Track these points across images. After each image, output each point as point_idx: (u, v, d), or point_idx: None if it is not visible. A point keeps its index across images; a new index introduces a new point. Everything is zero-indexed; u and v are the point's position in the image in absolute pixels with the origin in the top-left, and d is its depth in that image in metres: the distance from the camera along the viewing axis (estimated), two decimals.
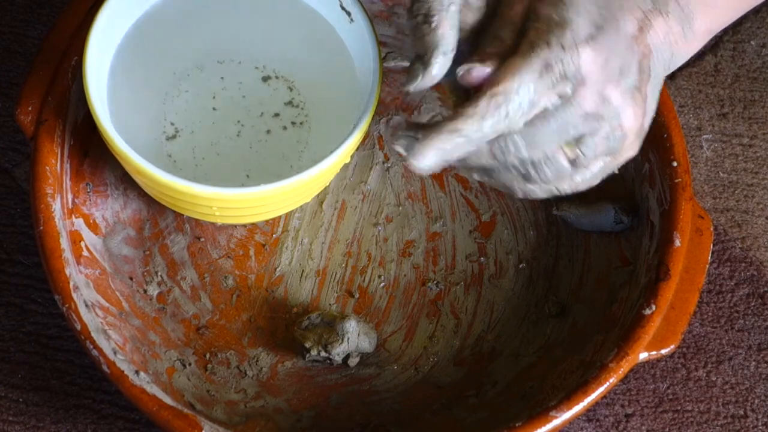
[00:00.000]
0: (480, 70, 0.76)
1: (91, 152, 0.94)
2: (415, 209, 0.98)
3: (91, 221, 0.93)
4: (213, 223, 0.96)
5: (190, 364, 0.92)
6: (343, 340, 0.91)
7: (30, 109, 0.91)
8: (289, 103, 0.95)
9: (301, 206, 0.97)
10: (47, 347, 0.94)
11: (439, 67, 0.77)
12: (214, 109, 0.95)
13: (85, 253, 0.91)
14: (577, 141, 0.77)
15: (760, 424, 0.94)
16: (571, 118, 0.75)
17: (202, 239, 0.96)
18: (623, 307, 0.90)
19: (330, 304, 0.95)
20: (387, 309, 0.95)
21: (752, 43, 1.06)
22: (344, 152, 0.88)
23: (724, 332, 0.96)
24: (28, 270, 0.96)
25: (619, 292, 0.92)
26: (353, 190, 0.99)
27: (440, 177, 0.99)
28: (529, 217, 0.98)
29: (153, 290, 0.94)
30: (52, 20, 1.02)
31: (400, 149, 0.76)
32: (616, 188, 0.96)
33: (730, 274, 0.98)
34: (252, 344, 0.94)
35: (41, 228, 0.88)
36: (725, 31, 1.06)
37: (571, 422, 0.87)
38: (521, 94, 0.74)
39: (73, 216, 0.92)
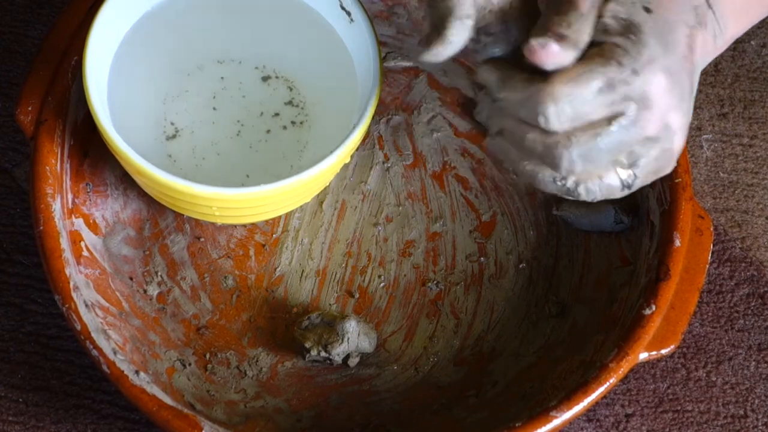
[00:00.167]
0: (554, 54, 0.73)
1: (91, 152, 0.94)
2: (415, 209, 0.98)
3: (91, 221, 0.93)
4: (213, 223, 0.96)
5: (190, 364, 0.92)
6: (343, 340, 0.91)
7: (30, 109, 0.91)
8: (289, 103, 0.95)
9: (301, 206, 0.97)
10: (47, 347, 0.94)
11: (456, 33, 0.75)
12: (214, 109, 0.95)
13: (85, 253, 0.91)
14: (630, 162, 0.76)
15: (760, 424, 0.94)
16: (630, 139, 0.74)
17: (202, 239, 0.96)
18: (623, 307, 0.90)
19: (330, 304, 0.95)
20: (387, 309, 0.95)
21: (752, 43, 1.06)
22: (344, 152, 0.88)
23: (724, 332, 0.96)
24: (28, 270, 0.96)
25: (619, 292, 0.92)
26: (353, 190, 0.99)
27: (440, 177, 0.99)
28: (529, 217, 0.98)
29: (153, 290, 0.94)
30: (52, 20, 1.02)
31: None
32: None
33: (730, 274, 0.98)
34: (252, 344, 0.94)
35: (41, 228, 0.88)
36: None
37: (571, 422, 0.87)
38: (575, 105, 0.73)
39: (73, 216, 0.92)
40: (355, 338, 0.91)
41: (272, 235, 0.97)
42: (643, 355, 0.87)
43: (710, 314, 0.97)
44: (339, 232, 0.97)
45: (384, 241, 0.97)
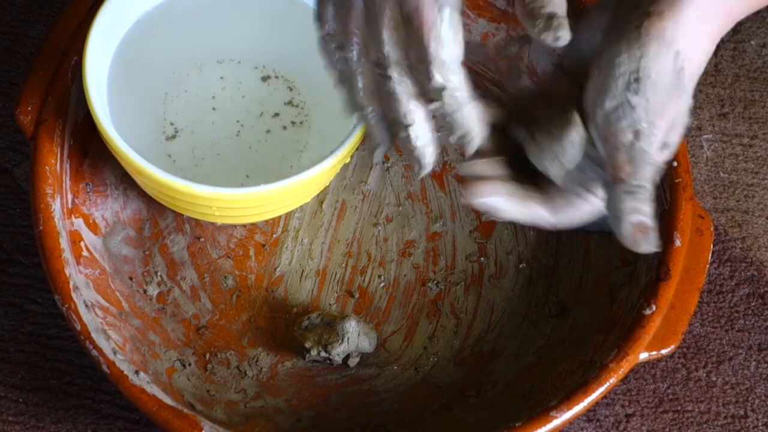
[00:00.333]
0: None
1: (91, 152, 0.94)
2: (415, 209, 0.98)
3: (91, 221, 0.93)
4: (213, 223, 0.96)
5: (190, 364, 0.92)
6: (343, 340, 0.91)
7: (30, 109, 0.91)
8: (289, 103, 0.95)
9: (301, 206, 0.97)
10: (47, 347, 0.94)
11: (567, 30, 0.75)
12: (213, 109, 0.95)
13: (84, 253, 0.91)
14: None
15: (760, 424, 0.94)
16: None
17: (202, 239, 0.96)
18: (623, 307, 0.90)
19: (330, 304, 0.95)
20: (387, 309, 0.95)
21: (752, 43, 1.06)
22: (344, 152, 0.88)
23: (724, 332, 0.96)
24: (28, 270, 0.96)
25: (619, 292, 0.92)
26: (353, 190, 0.99)
27: (440, 177, 0.99)
28: None
29: (153, 290, 0.94)
30: (52, 20, 1.02)
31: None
32: None
33: (731, 274, 0.98)
34: (252, 344, 0.94)
35: (41, 228, 0.88)
36: None
37: (571, 422, 0.87)
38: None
39: (72, 216, 0.92)
40: (355, 338, 0.91)
41: (272, 235, 0.97)
42: (644, 355, 0.87)
43: (710, 314, 0.97)
44: (339, 232, 0.97)
45: (384, 241, 0.97)
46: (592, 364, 0.87)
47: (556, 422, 0.85)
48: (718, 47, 1.05)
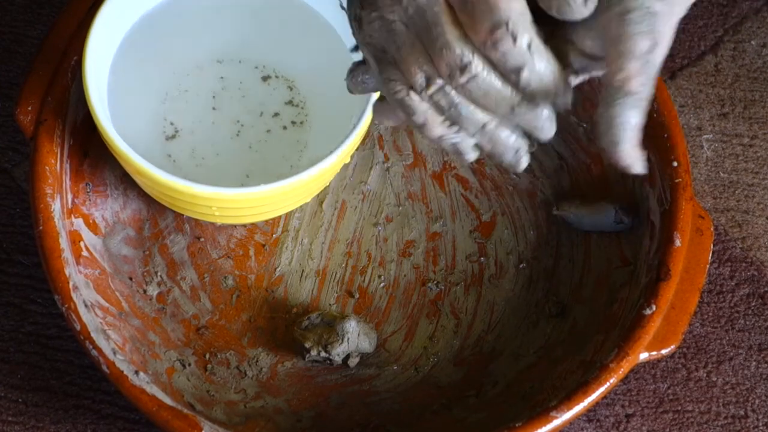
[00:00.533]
0: None
1: (91, 152, 0.94)
2: (415, 209, 0.98)
3: (91, 221, 0.93)
4: (213, 223, 0.96)
5: (189, 365, 0.92)
6: (343, 340, 0.91)
7: (30, 109, 0.91)
8: (289, 102, 0.95)
9: (301, 206, 0.97)
10: (47, 347, 0.94)
11: None
12: (213, 108, 0.95)
13: (84, 253, 0.91)
14: None
15: (760, 424, 0.94)
16: None
17: (202, 239, 0.96)
18: (623, 307, 0.90)
19: (330, 304, 0.95)
20: (387, 309, 0.95)
21: (752, 42, 1.06)
22: (344, 152, 0.88)
23: (724, 332, 0.96)
24: (28, 270, 0.96)
25: (619, 292, 0.92)
26: (353, 190, 0.99)
27: (440, 177, 0.99)
28: (530, 217, 0.98)
29: (153, 290, 0.94)
30: (52, 20, 1.02)
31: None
32: (617, 188, 0.95)
33: (731, 274, 0.98)
34: (252, 344, 0.94)
35: (41, 228, 0.88)
36: (725, 30, 1.06)
37: (571, 422, 0.87)
38: None
39: (72, 216, 0.92)
40: (355, 338, 0.91)
41: (272, 235, 0.97)
42: (644, 355, 0.87)
43: (710, 314, 0.97)
44: (339, 232, 0.97)
45: (384, 241, 0.97)
46: (592, 364, 0.87)
47: (556, 422, 0.85)
48: (719, 47, 1.05)
